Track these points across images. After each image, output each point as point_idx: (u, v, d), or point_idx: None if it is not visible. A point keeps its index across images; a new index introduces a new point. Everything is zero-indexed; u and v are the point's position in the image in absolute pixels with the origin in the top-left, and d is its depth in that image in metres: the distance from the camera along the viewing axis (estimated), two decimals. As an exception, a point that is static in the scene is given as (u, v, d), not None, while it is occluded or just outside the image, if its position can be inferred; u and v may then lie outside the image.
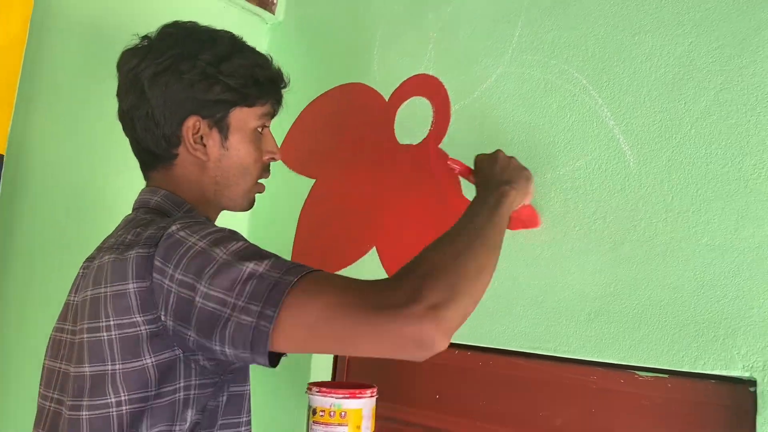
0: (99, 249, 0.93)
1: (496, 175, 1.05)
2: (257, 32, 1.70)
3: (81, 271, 0.95)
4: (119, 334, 0.80)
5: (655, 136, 1.12)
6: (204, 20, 1.58)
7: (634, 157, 1.14)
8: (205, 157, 0.96)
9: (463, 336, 1.29)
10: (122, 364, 0.80)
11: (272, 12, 1.68)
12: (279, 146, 1.04)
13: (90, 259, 0.94)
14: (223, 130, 0.97)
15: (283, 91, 1.05)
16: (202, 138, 0.96)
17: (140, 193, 0.99)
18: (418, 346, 0.70)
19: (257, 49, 1.03)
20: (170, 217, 0.91)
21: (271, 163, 1.07)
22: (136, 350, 0.80)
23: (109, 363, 0.80)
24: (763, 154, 1.03)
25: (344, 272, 1.47)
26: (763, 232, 1.01)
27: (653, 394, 1.10)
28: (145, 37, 0.99)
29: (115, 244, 0.87)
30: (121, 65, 0.99)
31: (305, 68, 1.65)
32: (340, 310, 0.72)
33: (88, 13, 1.36)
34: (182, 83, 0.93)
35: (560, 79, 1.23)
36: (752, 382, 0.98)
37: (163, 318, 0.79)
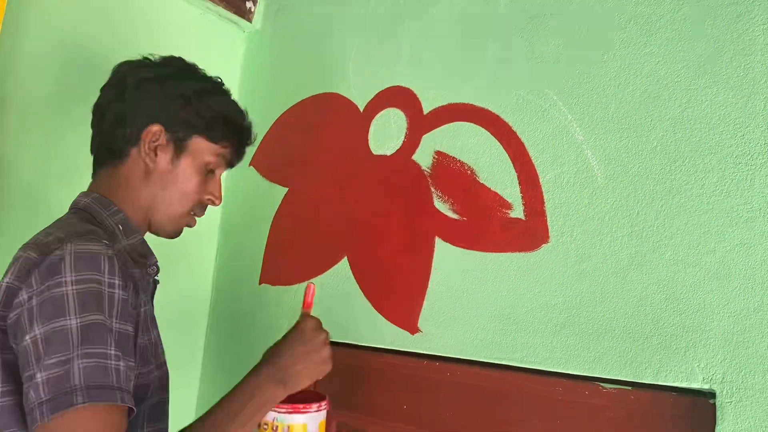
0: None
1: (286, 362, 0.99)
2: (234, 40, 1.71)
3: None
4: None
5: (622, 152, 1.15)
6: (181, 27, 1.60)
7: (602, 172, 1.16)
8: (152, 165, 1.00)
9: (431, 346, 1.29)
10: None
11: (249, 21, 1.69)
12: (222, 195, 1.10)
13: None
14: (179, 149, 1.02)
15: (247, 146, 1.11)
16: (157, 148, 1.00)
17: (80, 195, 1.02)
18: None
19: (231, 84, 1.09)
20: (87, 220, 0.95)
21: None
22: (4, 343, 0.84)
23: None
24: (725, 172, 1.06)
25: (316, 281, 1.48)
26: (724, 247, 1.04)
27: (617, 405, 1.12)
28: (146, 57, 1.06)
29: (34, 241, 0.90)
30: (116, 67, 1.05)
31: (281, 77, 1.66)
32: None
33: (63, 19, 1.35)
34: (161, 95, 1.00)
35: (531, 95, 1.26)
36: (712, 394, 1.00)
37: (7, 320, 0.84)
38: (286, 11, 1.69)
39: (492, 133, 1.29)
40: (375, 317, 1.38)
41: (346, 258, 1.46)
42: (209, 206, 1.09)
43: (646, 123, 1.14)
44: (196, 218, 1.09)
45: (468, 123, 1.33)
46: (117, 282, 0.85)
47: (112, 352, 0.82)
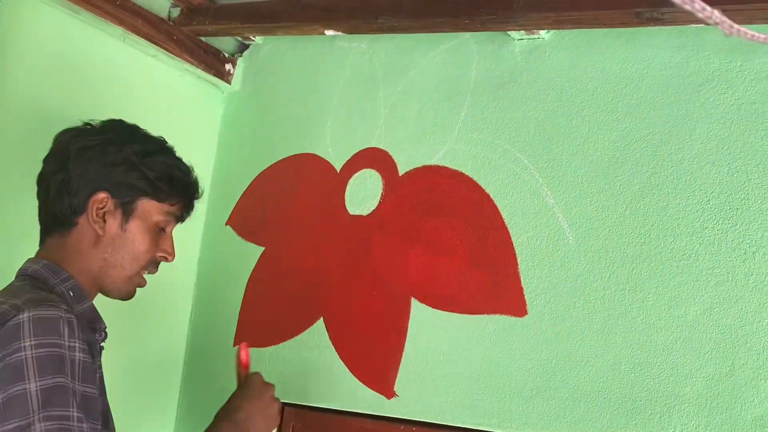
0: None
1: (244, 417, 1.05)
2: (213, 101, 1.73)
3: None
4: None
5: (592, 216, 1.17)
6: (161, 88, 1.62)
7: (573, 235, 1.18)
8: (102, 232, 1.01)
9: (407, 411, 1.28)
10: None
11: (228, 82, 1.71)
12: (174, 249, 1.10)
13: None
14: (127, 213, 1.02)
15: (195, 201, 1.12)
16: (105, 214, 1.01)
17: (27, 262, 1.02)
18: None
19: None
20: (39, 287, 0.94)
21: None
22: None
23: None
24: (692, 236, 1.07)
25: (292, 342, 1.46)
26: (695, 311, 1.05)
27: (594, 472, 1.10)
28: (87, 123, 1.06)
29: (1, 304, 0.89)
30: (57, 136, 1.05)
31: (258, 137, 1.68)
32: None
33: (43, 79, 1.37)
34: (103, 162, 1.00)
35: (503, 158, 1.28)
36: (688, 461, 1.00)
37: None
38: (264, 74, 1.72)
39: (465, 196, 1.31)
40: (351, 380, 1.36)
41: (322, 319, 1.45)
42: (178, 264, 1.10)
43: (614, 187, 1.16)
44: (152, 274, 1.09)
45: (442, 185, 1.34)
46: (78, 345, 0.85)
47: (75, 413, 0.81)
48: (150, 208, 1.04)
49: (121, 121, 1.08)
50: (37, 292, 0.91)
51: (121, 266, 1.03)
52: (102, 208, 1.00)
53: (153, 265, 1.08)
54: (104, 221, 1.01)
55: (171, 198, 1.06)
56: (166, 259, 1.09)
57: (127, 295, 1.07)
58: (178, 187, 1.06)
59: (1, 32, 1.27)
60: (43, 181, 1.03)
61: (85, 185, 0.99)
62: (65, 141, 1.03)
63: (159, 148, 1.06)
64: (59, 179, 1.00)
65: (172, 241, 1.09)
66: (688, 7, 0.36)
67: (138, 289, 1.08)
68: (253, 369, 1.51)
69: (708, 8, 0.39)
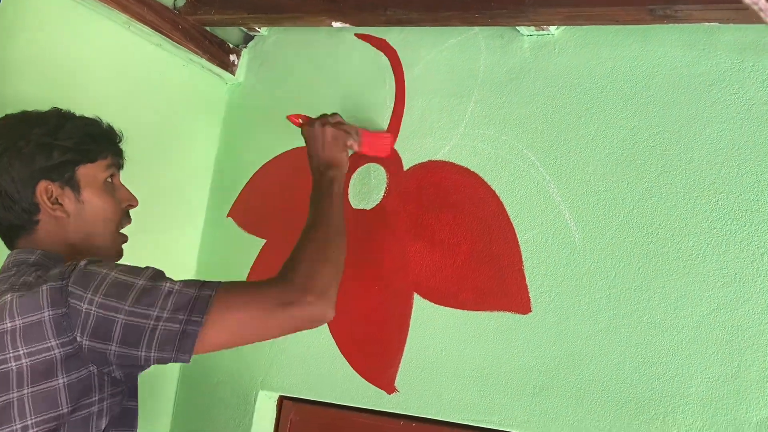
0: None
1: (321, 156, 1.28)
2: (216, 92, 1.71)
3: None
4: (30, 361, 0.88)
5: (599, 214, 1.16)
6: (165, 77, 1.60)
7: (579, 233, 1.17)
8: (64, 214, 1.03)
9: (408, 406, 1.27)
10: (31, 388, 0.88)
11: (232, 73, 1.70)
12: (134, 193, 1.14)
13: None
14: (75, 187, 1.04)
15: (120, 144, 1.13)
16: (57, 199, 1.03)
17: (10, 255, 1.03)
18: (313, 323, 1.02)
19: None
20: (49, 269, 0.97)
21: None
22: (49, 372, 0.88)
23: (15, 391, 0.87)
24: (700, 237, 1.07)
25: (291, 336, 1.45)
26: (701, 311, 1.04)
27: (596, 471, 1.10)
28: None
29: (14, 286, 0.92)
30: None
31: (262, 129, 1.66)
32: (252, 313, 0.95)
33: (47, 63, 1.35)
34: (23, 159, 1.01)
35: (510, 154, 1.27)
36: (691, 462, 0.99)
37: (78, 339, 0.88)
38: (269, 65, 1.70)
39: (470, 192, 1.30)
40: (351, 375, 1.35)
41: (323, 313, 1.44)
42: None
43: (622, 186, 1.15)
44: (128, 227, 1.13)
45: (447, 180, 1.34)
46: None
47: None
48: (89, 172, 1.06)
49: (5, 117, 1.07)
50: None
51: (100, 233, 1.07)
52: (51, 196, 1.02)
53: (126, 218, 1.12)
54: (61, 204, 1.03)
55: (101, 154, 1.07)
56: (132, 206, 1.13)
57: (117, 255, 1.11)
58: (101, 141, 1.08)
59: (6, 18, 1.25)
60: None
61: (24, 187, 1.01)
62: None
63: (60, 118, 1.06)
64: None
65: (127, 188, 1.13)
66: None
67: None
68: (253, 362, 1.51)
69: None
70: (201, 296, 0.92)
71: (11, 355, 0.88)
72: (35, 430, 0.87)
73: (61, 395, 0.88)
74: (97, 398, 0.92)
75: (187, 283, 0.94)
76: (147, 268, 0.96)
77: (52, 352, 0.88)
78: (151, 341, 0.89)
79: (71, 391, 0.89)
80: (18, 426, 0.87)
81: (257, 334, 0.98)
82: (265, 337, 1.01)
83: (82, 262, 0.93)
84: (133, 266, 0.96)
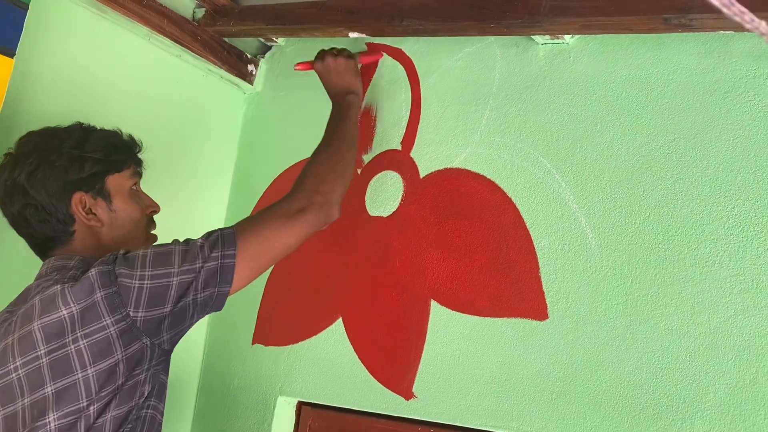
0: (16, 303, 1.03)
1: (338, 85, 1.40)
2: (234, 101, 1.74)
3: None
4: (89, 341, 0.93)
5: (615, 221, 1.17)
6: (185, 88, 1.63)
7: (595, 240, 1.18)
8: (99, 223, 1.09)
9: (426, 412, 1.28)
10: (94, 367, 0.93)
11: (250, 83, 1.73)
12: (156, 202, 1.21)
13: (8, 312, 1.02)
14: (106, 197, 1.10)
15: (139, 154, 1.19)
16: (91, 209, 1.08)
17: (48, 261, 1.06)
18: (324, 223, 1.14)
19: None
20: None
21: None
22: (108, 350, 0.94)
23: (80, 372, 0.93)
24: (717, 243, 1.07)
25: (310, 342, 1.47)
26: (719, 317, 1.05)
27: (614, 477, 1.10)
28: (7, 153, 1.10)
29: (59, 281, 0.96)
30: None
31: (279, 138, 1.69)
32: (273, 228, 1.07)
33: (71, 75, 1.39)
34: (57, 172, 1.06)
35: (526, 162, 1.28)
36: (710, 468, 1.00)
37: (132, 314, 0.94)
38: (286, 75, 1.73)
39: (486, 199, 1.31)
40: (369, 381, 1.37)
41: (341, 318, 1.45)
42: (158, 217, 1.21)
43: (638, 193, 1.16)
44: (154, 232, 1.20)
45: (463, 188, 1.35)
46: None
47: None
48: (117, 181, 1.12)
49: (30, 134, 1.10)
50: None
51: (133, 237, 1.13)
52: (86, 207, 1.07)
53: (151, 223, 1.19)
54: (95, 214, 1.08)
55: (125, 163, 1.13)
56: (155, 211, 1.19)
57: None
58: (125, 151, 1.15)
59: (31, 31, 1.28)
60: (18, 219, 1.08)
61: (58, 200, 1.06)
62: (8, 179, 1.06)
63: (85, 131, 1.11)
64: (32, 210, 1.06)
65: (148, 195, 1.19)
66: (737, 19, 0.37)
67: None
68: (272, 368, 1.53)
69: (756, 19, 0.39)
70: (225, 234, 1.03)
71: (70, 338, 0.93)
72: (97, 405, 0.93)
73: (120, 369, 0.95)
74: (145, 367, 0.98)
75: (207, 234, 1.04)
76: (172, 241, 1.03)
77: (108, 330, 0.93)
78: (197, 286, 0.98)
79: (128, 363, 0.95)
80: (84, 403, 0.92)
81: (281, 248, 1.08)
82: (288, 246, 1.09)
83: (120, 252, 1.00)
84: (160, 243, 1.06)
